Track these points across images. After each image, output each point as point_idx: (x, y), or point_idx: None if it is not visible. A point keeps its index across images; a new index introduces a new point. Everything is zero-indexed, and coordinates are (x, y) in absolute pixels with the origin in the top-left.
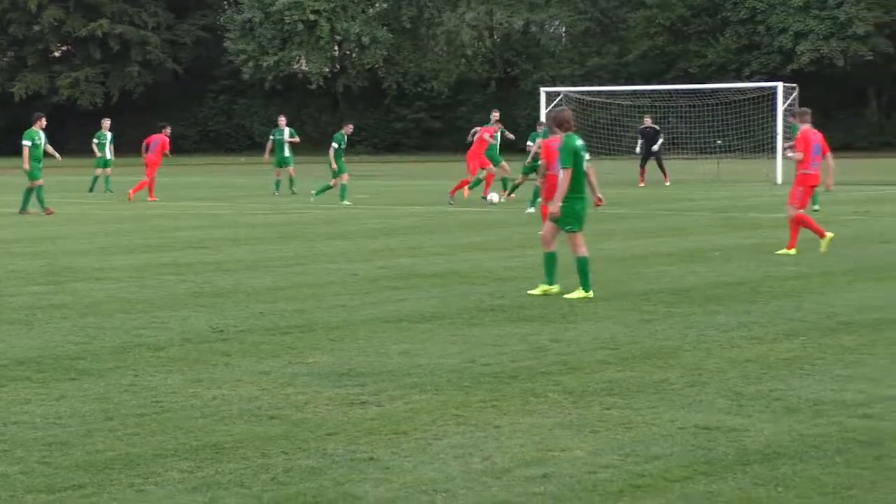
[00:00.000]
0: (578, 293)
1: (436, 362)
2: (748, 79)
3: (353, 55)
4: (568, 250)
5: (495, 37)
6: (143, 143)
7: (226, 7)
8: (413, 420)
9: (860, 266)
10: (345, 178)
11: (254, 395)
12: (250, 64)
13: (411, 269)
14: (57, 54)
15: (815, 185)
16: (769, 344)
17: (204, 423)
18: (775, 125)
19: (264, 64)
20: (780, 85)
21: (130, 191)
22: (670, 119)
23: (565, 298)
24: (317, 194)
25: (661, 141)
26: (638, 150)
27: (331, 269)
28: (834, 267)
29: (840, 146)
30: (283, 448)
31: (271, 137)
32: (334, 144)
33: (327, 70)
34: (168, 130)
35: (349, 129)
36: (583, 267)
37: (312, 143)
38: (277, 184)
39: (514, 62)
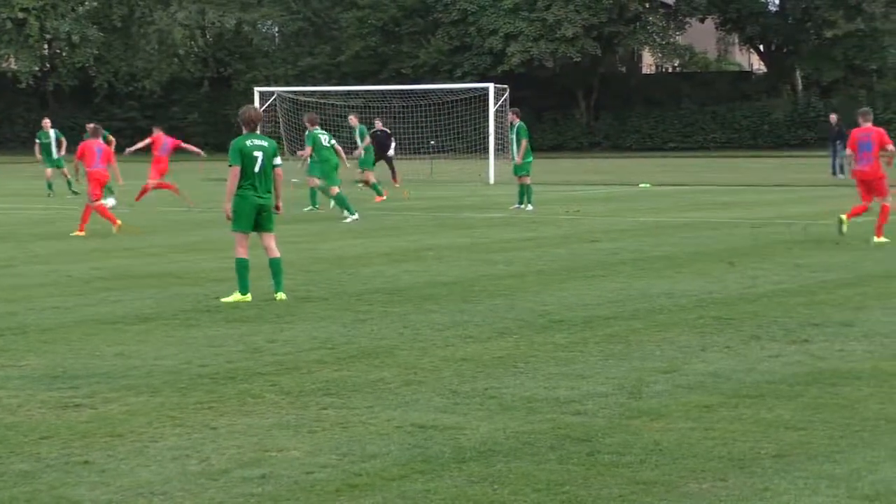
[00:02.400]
0: (235, 296)
1: (151, 364)
2: (460, 80)
3: (64, 54)
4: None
5: (208, 36)
6: None
7: None
8: (129, 422)
9: (571, 265)
10: None
11: None
12: None
13: (126, 270)
14: None
15: (864, 180)
16: (483, 342)
17: None
18: (487, 126)
19: None
20: (491, 86)
21: None
22: (385, 120)
23: (222, 301)
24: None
25: (394, 144)
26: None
27: (44, 271)
28: (546, 266)
29: (551, 147)
30: None
31: (37, 141)
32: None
33: (37, 69)
34: None
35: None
36: (239, 267)
37: (20, 143)
38: (50, 185)
39: (227, 62)
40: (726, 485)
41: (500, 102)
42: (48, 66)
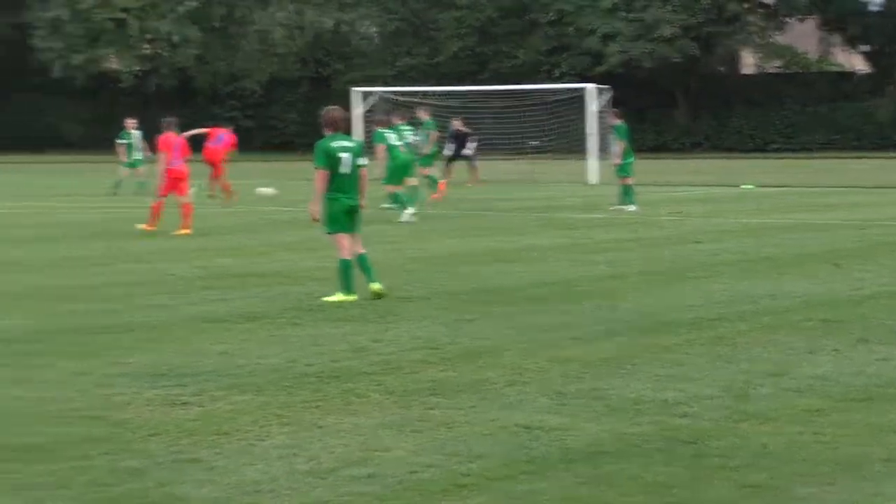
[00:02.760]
0: (338, 296)
1: (256, 363)
2: (559, 80)
3: (165, 54)
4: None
5: (306, 36)
6: None
7: (31, 5)
8: (235, 420)
9: (674, 266)
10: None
11: (73, 396)
12: (59, 62)
13: (228, 269)
14: None
15: None
16: (589, 343)
17: (24, 423)
18: (586, 126)
19: (74, 62)
20: (590, 86)
21: None
22: (485, 120)
23: (324, 301)
24: None
25: (472, 145)
26: (446, 151)
27: (145, 269)
28: (648, 267)
29: (651, 147)
30: (106, 449)
31: (120, 141)
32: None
33: (138, 69)
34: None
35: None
36: (343, 268)
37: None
38: (123, 184)
39: (326, 62)
40: (835, 489)
41: (603, 103)
42: (149, 65)
